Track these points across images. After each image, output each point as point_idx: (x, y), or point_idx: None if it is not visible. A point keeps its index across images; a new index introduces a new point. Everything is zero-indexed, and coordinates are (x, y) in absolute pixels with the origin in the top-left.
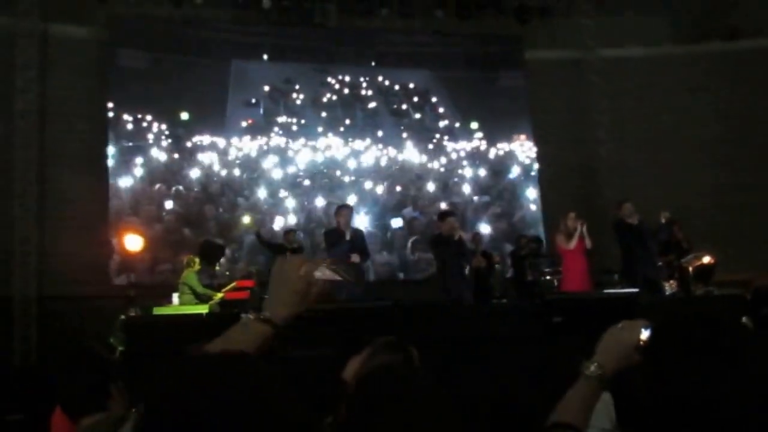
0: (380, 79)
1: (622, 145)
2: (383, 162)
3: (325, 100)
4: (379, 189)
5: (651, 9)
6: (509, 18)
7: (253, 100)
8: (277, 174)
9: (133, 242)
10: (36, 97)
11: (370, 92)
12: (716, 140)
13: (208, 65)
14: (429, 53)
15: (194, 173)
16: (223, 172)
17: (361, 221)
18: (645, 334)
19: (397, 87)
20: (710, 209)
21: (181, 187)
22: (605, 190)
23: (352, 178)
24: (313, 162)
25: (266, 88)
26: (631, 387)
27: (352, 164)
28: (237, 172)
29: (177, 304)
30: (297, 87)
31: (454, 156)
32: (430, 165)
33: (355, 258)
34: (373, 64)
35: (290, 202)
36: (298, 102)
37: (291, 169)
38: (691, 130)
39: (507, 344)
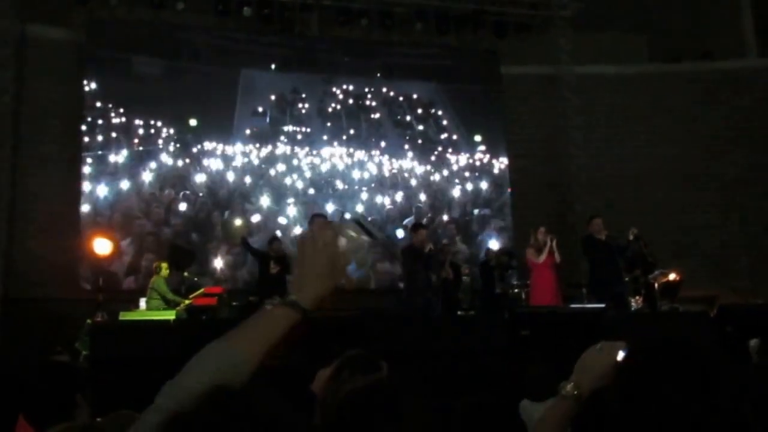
0: (385, 90)
1: (594, 162)
2: (386, 173)
3: (330, 110)
4: (382, 199)
5: (627, 28)
6: (487, 33)
7: (260, 109)
8: (282, 182)
9: (102, 246)
10: (11, 99)
11: (374, 103)
12: (686, 159)
13: (218, 74)
14: (435, 66)
15: (201, 179)
16: (230, 179)
17: None
18: (622, 356)
19: (401, 98)
20: (678, 227)
21: (189, 192)
22: (576, 205)
23: (356, 187)
24: (318, 171)
25: (273, 97)
26: (598, 404)
27: (355, 174)
28: (243, 179)
29: (144, 310)
30: (303, 96)
31: (456, 168)
32: (432, 177)
33: None
34: (378, 75)
35: (295, 210)
36: (304, 111)
37: (296, 178)
38: (662, 148)
39: (474, 356)
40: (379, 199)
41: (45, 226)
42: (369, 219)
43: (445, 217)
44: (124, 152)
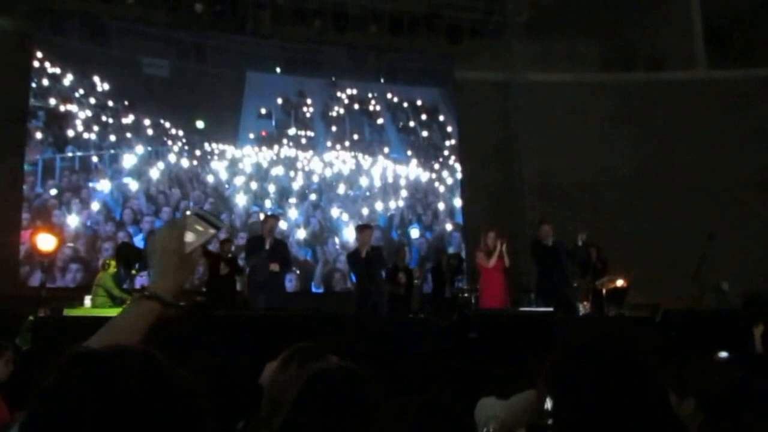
0: (389, 95)
1: (545, 168)
2: (390, 178)
3: (334, 113)
4: (385, 205)
5: (580, 36)
6: (441, 36)
7: (264, 111)
8: (286, 185)
9: (46, 242)
10: None
11: (378, 108)
12: (636, 166)
13: (224, 75)
14: (437, 70)
15: (208, 180)
16: (235, 181)
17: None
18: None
19: (405, 104)
20: (627, 233)
21: (197, 192)
22: (526, 211)
23: (359, 192)
24: (321, 175)
25: (279, 100)
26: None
27: (358, 179)
28: (248, 181)
29: (89, 307)
30: (309, 101)
31: (460, 176)
32: (436, 183)
33: (275, 267)
34: (382, 80)
35: (297, 213)
36: (309, 114)
37: (299, 181)
38: (612, 156)
39: (422, 358)
40: (382, 204)
41: None
42: (207, 209)
43: (449, 227)
44: (134, 151)
